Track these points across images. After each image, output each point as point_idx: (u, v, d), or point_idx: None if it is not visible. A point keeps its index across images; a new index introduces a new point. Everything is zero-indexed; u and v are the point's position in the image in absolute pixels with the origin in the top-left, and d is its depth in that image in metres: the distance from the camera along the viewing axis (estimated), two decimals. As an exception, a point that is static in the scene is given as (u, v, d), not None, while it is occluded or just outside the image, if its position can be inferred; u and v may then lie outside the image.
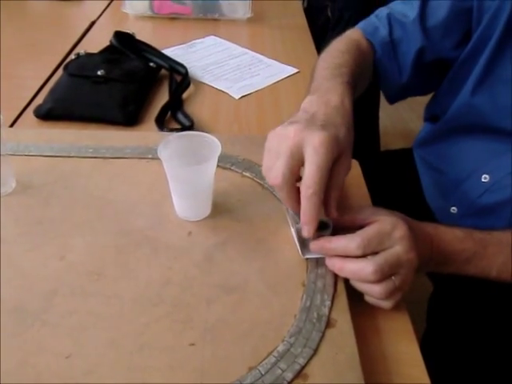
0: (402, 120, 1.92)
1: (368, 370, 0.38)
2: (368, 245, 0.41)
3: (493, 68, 0.57)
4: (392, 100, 0.71)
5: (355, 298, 0.43)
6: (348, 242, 0.41)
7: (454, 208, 0.65)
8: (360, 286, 0.42)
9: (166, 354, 0.37)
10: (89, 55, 0.81)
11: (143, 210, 0.50)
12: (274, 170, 0.41)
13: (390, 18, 0.65)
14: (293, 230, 0.44)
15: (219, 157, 0.58)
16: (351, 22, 1.16)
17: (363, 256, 0.41)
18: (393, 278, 0.41)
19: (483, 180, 0.61)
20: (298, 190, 0.42)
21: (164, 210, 0.50)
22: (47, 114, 0.69)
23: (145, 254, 0.45)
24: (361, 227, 0.43)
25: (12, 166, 0.53)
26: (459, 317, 0.62)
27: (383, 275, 0.40)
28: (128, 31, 0.88)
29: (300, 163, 0.41)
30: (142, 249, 0.46)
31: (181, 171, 0.47)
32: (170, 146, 0.47)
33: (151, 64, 0.80)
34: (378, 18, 0.66)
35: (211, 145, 0.47)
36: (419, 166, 0.76)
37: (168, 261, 0.45)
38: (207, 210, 0.50)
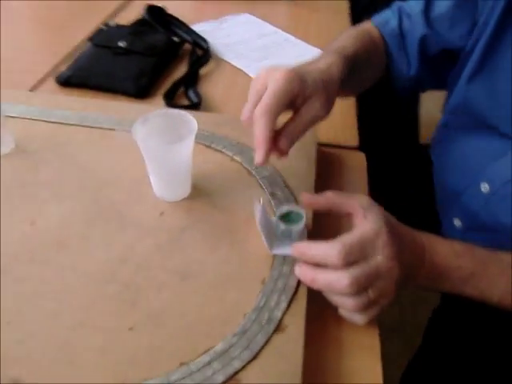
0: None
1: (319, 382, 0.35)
2: (350, 253, 0.36)
3: (489, 57, 0.51)
4: (403, 93, 0.66)
5: (320, 304, 0.39)
6: (328, 250, 0.37)
7: (456, 220, 0.59)
8: (332, 298, 0.39)
9: (101, 335, 0.36)
10: (118, 27, 0.81)
11: (123, 185, 0.49)
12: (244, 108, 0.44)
13: (400, 10, 0.63)
14: (259, 225, 0.41)
15: (212, 138, 0.55)
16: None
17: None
18: (369, 290, 0.37)
19: (483, 190, 0.54)
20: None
21: (143, 188, 0.49)
22: (66, 81, 0.70)
23: (111, 229, 0.44)
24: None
25: (11, 129, 0.54)
26: (460, 341, 0.56)
27: (359, 288, 0.36)
28: (159, 5, 0.86)
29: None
30: (110, 224, 0.45)
31: (155, 150, 0.45)
32: (148, 123, 0.45)
33: (174, 38, 0.79)
34: (391, 11, 0.64)
35: (188, 124, 0.45)
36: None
37: (132, 239, 0.43)
38: (185, 192, 0.48)
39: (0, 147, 0.53)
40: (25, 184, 0.49)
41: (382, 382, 0.37)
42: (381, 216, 0.40)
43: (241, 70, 0.75)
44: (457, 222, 0.57)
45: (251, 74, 0.74)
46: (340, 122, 0.66)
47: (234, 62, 0.77)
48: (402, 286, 0.40)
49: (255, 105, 0.42)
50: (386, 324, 1.15)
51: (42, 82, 0.72)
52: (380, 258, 0.37)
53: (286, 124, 0.44)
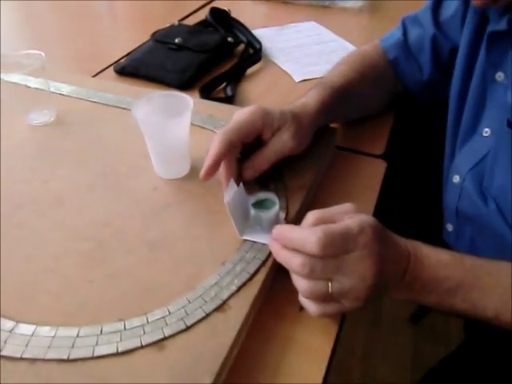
0: None
1: (251, 371, 0.34)
2: (329, 244, 0.34)
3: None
4: (421, 99, 0.65)
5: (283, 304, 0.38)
6: (308, 235, 0.34)
7: (448, 225, 0.58)
8: (292, 277, 0.36)
9: (63, 282, 0.39)
10: (181, 26, 0.87)
11: (128, 159, 0.53)
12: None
13: (404, 21, 0.64)
14: (229, 208, 0.40)
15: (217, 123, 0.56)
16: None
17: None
18: (331, 282, 0.35)
19: (454, 181, 0.54)
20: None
21: (146, 164, 0.51)
22: (121, 70, 0.76)
23: (107, 197, 0.48)
24: None
25: (55, 104, 0.61)
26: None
27: (320, 273, 0.34)
28: (224, 8, 0.91)
29: None
30: (108, 192, 0.48)
31: (152, 125, 0.47)
32: (151, 103, 0.48)
33: (229, 39, 0.82)
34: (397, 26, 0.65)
35: (185, 102, 0.46)
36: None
37: (122, 208, 0.46)
38: (182, 171, 0.49)
39: (40, 117, 0.60)
40: (50, 149, 0.55)
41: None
42: (368, 218, 0.37)
43: (287, 73, 0.76)
44: (448, 227, 0.53)
45: (296, 78, 0.74)
46: (370, 131, 0.63)
47: (282, 66, 0.78)
48: (377, 294, 0.36)
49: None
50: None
51: (104, 70, 0.80)
52: (357, 254, 0.34)
53: (252, 156, 0.46)
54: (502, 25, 0.46)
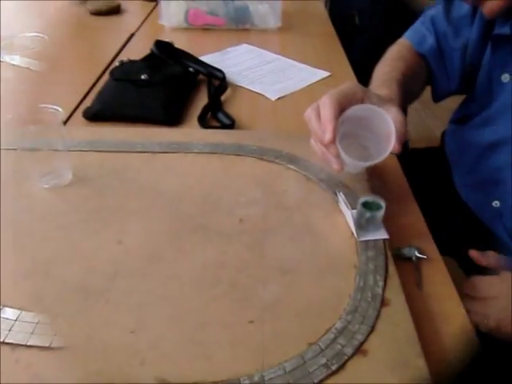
0: (427, 128, 1.92)
1: (423, 348, 0.39)
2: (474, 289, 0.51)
3: None
4: (437, 101, 0.73)
5: (404, 285, 0.44)
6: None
7: (496, 202, 0.65)
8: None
9: (226, 330, 0.38)
10: (132, 62, 0.85)
11: (194, 199, 0.52)
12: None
13: (434, 24, 0.65)
14: (348, 213, 0.46)
15: (262, 151, 0.60)
16: (380, 29, 1.20)
17: None
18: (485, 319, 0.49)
19: None
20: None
21: (214, 199, 0.52)
22: (95, 115, 0.72)
23: (199, 239, 0.47)
24: None
25: (68, 160, 0.56)
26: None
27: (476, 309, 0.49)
28: (167, 40, 0.91)
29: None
30: (195, 234, 0.48)
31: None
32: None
33: (190, 69, 0.84)
34: (424, 26, 0.67)
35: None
36: (452, 164, 0.76)
37: (221, 245, 0.46)
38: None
39: (60, 178, 0.54)
40: (97, 209, 0.51)
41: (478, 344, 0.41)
42: None
43: (259, 94, 0.81)
44: (495, 204, 0.64)
45: (271, 97, 0.80)
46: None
47: (250, 87, 0.83)
48: None
49: (320, 128, 0.47)
50: None
51: (69, 118, 0.73)
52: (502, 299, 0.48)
53: None
54: (506, 29, 0.52)
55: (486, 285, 0.51)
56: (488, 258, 0.53)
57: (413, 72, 0.62)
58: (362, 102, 0.48)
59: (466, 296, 0.53)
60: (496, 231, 0.67)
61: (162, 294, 0.41)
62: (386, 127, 0.46)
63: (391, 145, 0.46)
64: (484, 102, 0.65)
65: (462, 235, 0.72)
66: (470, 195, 0.71)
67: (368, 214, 0.45)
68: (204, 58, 0.93)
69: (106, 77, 0.81)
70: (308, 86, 0.84)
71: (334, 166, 0.48)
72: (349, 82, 0.49)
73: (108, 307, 0.40)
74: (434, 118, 1.94)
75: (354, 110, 0.46)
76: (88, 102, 0.75)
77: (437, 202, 0.76)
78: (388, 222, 0.48)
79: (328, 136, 0.44)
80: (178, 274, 0.43)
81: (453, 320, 0.43)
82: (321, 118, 0.46)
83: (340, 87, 0.48)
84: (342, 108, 0.46)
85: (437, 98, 0.71)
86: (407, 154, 0.89)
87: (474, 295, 0.52)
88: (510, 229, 0.65)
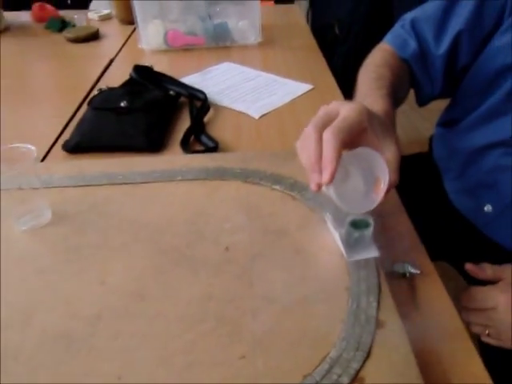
0: (415, 129, 1.92)
1: (423, 370, 0.37)
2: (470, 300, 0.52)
3: None
4: (421, 105, 0.71)
5: (399, 302, 0.42)
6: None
7: (488, 206, 0.64)
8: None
9: (216, 368, 0.36)
10: (111, 89, 0.84)
11: (178, 229, 0.51)
12: (309, 125, 0.43)
13: (413, 25, 0.64)
14: (336, 234, 0.44)
15: (246, 173, 0.58)
16: (360, 35, 1.20)
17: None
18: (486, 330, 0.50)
19: None
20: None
21: (199, 228, 0.50)
22: (75, 147, 0.71)
23: (184, 272, 0.45)
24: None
25: (47, 198, 0.54)
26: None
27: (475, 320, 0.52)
28: (146, 64, 0.91)
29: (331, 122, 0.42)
30: (180, 267, 0.46)
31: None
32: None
33: (171, 92, 0.83)
34: (404, 29, 0.66)
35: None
36: (441, 169, 0.75)
37: (208, 277, 0.45)
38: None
39: (38, 218, 0.53)
40: (78, 247, 0.49)
41: (480, 361, 0.39)
42: None
43: (242, 113, 0.80)
44: (487, 208, 0.63)
45: (254, 115, 0.79)
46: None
47: (233, 107, 0.82)
48: None
49: (323, 123, 0.42)
50: None
51: (49, 152, 0.72)
52: (500, 309, 0.49)
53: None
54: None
55: (484, 296, 0.50)
56: (484, 270, 0.51)
57: (399, 78, 0.61)
58: (364, 131, 0.43)
59: (464, 308, 0.52)
60: (490, 235, 0.66)
61: (147, 335, 0.39)
62: (379, 173, 0.43)
63: (379, 196, 0.43)
64: (470, 105, 0.64)
65: (456, 241, 0.71)
66: (462, 201, 0.70)
67: (356, 234, 0.44)
68: (186, 80, 0.92)
69: (86, 106, 0.80)
70: (291, 100, 0.83)
71: (312, 186, 0.43)
72: (353, 106, 0.42)
73: (92, 354, 0.38)
74: (422, 119, 1.95)
75: (354, 154, 0.43)
76: (68, 134, 0.74)
77: (429, 209, 0.75)
78: (378, 238, 0.47)
79: (326, 178, 0.40)
80: (163, 312, 0.41)
81: (451, 336, 0.41)
82: (323, 155, 0.41)
83: (346, 117, 0.42)
84: (345, 145, 0.41)
85: (421, 102, 0.70)
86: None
87: (473, 307, 0.51)
88: (504, 233, 0.64)
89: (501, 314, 0.48)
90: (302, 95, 0.85)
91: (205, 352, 0.38)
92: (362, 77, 0.59)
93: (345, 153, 0.41)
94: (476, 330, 0.52)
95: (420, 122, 1.94)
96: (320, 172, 0.41)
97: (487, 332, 0.51)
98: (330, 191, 0.43)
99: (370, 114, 0.43)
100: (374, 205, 0.43)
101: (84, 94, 0.90)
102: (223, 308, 0.41)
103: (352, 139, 0.42)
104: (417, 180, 0.78)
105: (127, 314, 0.41)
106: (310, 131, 0.42)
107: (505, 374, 0.58)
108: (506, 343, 0.50)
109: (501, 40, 0.57)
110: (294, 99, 0.84)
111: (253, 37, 1.08)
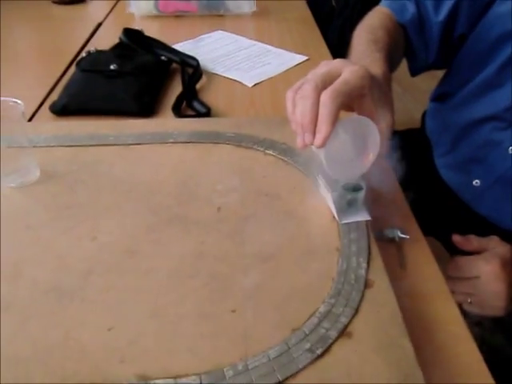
0: (407, 111, 1.93)
1: (409, 329, 0.38)
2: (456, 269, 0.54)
3: None
4: (414, 74, 0.71)
5: (388, 266, 0.43)
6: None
7: (476, 181, 0.65)
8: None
9: (208, 321, 0.37)
10: (100, 52, 0.82)
11: (170, 189, 0.50)
12: (307, 82, 0.41)
13: None
14: (329, 196, 0.45)
15: (239, 138, 0.58)
16: (356, 8, 1.18)
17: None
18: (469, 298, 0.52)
19: (510, 152, 0.60)
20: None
21: (191, 189, 0.50)
22: (63, 109, 0.69)
23: (176, 231, 0.45)
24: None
25: (35, 157, 0.53)
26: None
27: (460, 289, 0.53)
28: (136, 28, 0.89)
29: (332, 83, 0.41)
30: (172, 226, 0.46)
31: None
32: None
33: (162, 58, 0.81)
34: None
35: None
36: (432, 144, 0.76)
37: (200, 235, 0.45)
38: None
39: (26, 176, 0.52)
40: (69, 205, 0.49)
41: (462, 321, 0.41)
42: (500, 249, 0.52)
43: (235, 81, 0.79)
44: (476, 183, 0.64)
45: (248, 83, 0.78)
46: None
47: (226, 74, 0.81)
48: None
49: (323, 82, 0.41)
50: None
51: (36, 112, 0.71)
52: (484, 279, 0.51)
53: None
54: None
55: (468, 265, 0.51)
56: (470, 242, 0.53)
57: (395, 42, 0.60)
58: (363, 97, 0.42)
59: (449, 276, 0.53)
60: (477, 210, 0.68)
61: (139, 289, 0.40)
62: (370, 143, 0.43)
63: (366, 166, 0.44)
64: (464, 78, 0.65)
65: (444, 216, 0.73)
66: (451, 175, 0.71)
67: (349, 196, 0.45)
68: (177, 47, 0.91)
69: (73, 69, 0.78)
70: (285, 71, 0.82)
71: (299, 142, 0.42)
72: (357, 69, 0.41)
73: (83, 306, 0.38)
74: (414, 101, 1.95)
75: (349, 121, 0.42)
76: (55, 96, 0.72)
77: (418, 184, 0.76)
78: (370, 204, 0.48)
79: (319, 141, 0.39)
80: (155, 267, 0.42)
81: (437, 299, 0.43)
82: (318, 116, 0.40)
83: (348, 80, 0.40)
84: (342, 108, 0.41)
85: (414, 71, 0.70)
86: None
87: (457, 275, 0.52)
88: (491, 207, 0.65)
89: (484, 283, 0.50)
90: (296, 66, 0.84)
91: (196, 306, 0.38)
92: (359, 37, 0.58)
93: (340, 118, 0.41)
94: (459, 298, 0.54)
95: (412, 104, 1.95)
96: (313, 133, 0.40)
97: (469, 300, 0.52)
98: (319, 153, 0.43)
99: (372, 80, 0.42)
100: (360, 173, 0.44)
101: (71, 56, 0.88)
102: (215, 265, 0.42)
103: (350, 103, 0.42)
104: (408, 154, 0.79)
105: (118, 269, 0.41)
106: (308, 89, 0.41)
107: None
108: (487, 311, 0.52)
109: (500, 7, 0.57)
110: (289, 70, 0.83)
111: (247, 6, 1.06)
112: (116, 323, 0.37)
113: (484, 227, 0.66)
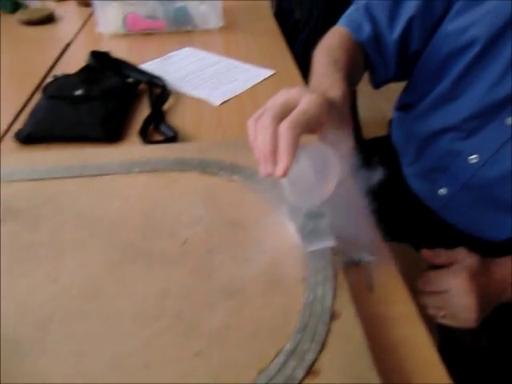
0: (380, 110, 1.95)
1: (378, 357, 0.38)
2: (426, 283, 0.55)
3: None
4: (376, 87, 0.71)
5: (356, 288, 0.43)
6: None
7: (442, 190, 0.66)
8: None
9: (172, 367, 0.36)
10: (66, 76, 0.80)
11: (135, 223, 0.49)
12: (266, 113, 0.41)
13: (368, 9, 0.64)
14: (292, 225, 0.44)
15: (204, 164, 0.57)
16: (320, 20, 1.19)
17: None
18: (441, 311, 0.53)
19: (472, 161, 0.61)
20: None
21: (156, 221, 0.49)
22: (28, 138, 0.67)
23: (140, 268, 0.44)
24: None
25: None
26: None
27: (431, 303, 0.54)
28: (103, 50, 0.87)
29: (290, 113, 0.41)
30: (136, 263, 0.45)
31: None
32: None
33: (129, 80, 0.80)
34: (358, 12, 0.65)
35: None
36: (399, 153, 0.76)
37: (165, 271, 0.44)
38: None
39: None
40: (30, 245, 0.47)
41: (433, 345, 0.41)
42: (467, 261, 0.52)
43: (202, 100, 0.78)
44: (441, 192, 0.65)
45: (214, 102, 0.77)
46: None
47: (193, 94, 0.80)
48: (487, 312, 0.51)
49: (282, 113, 0.41)
50: None
51: None
52: (453, 292, 0.52)
53: None
54: None
55: (438, 279, 0.52)
56: (439, 255, 0.53)
57: (354, 62, 0.60)
58: (322, 124, 0.42)
59: (420, 291, 0.53)
60: (445, 218, 0.68)
61: (101, 337, 0.38)
62: (331, 169, 0.43)
63: (329, 192, 0.43)
64: (423, 90, 0.65)
65: (415, 225, 0.73)
66: (418, 184, 0.72)
67: (312, 224, 0.44)
68: (146, 65, 0.90)
69: (40, 94, 0.76)
70: (252, 86, 0.82)
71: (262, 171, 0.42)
72: (315, 99, 0.41)
73: (42, 360, 0.37)
74: (386, 101, 1.96)
75: (308, 149, 0.42)
76: (20, 124, 0.71)
77: (388, 192, 0.77)
78: (336, 228, 0.47)
79: (280, 172, 0.39)
80: (117, 310, 0.40)
81: (405, 323, 0.42)
82: (278, 148, 0.39)
83: (306, 110, 0.40)
84: (311, 125, 0.41)
85: (375, 85, 0.71)
86: (358, 145, 0.90)
87: (428, 290, 0.52)
88: (458, 215, 0.66)
89: (453, 297, 0.50)
90: (263, 81, 0.84)
91: (160, 351, 0.37)
92: (318, 58, 0.58)
93: (299, 147, 0.41)
94: (432, 312, 0.54)
95: (384, 103, 1.97)
96: (274, 163, 0.40)
97: (442, 314, 0.53)
98: (281, 182, 0.42)
99: (329, 107, 0.42)
100: (322, 200, 0.43)
101: (38, 80, 0.86)
102: (179, 304, 0.41)
103: (309, 131, 0.42)
104: (376, 164, 0.79)
105: (79, 314, 0.40)
106: (266, 121, 0.40)
107: (460, 356, 0.61)
108: (459, 323, 0.53)
109: (450, 25, 0.57)
110: (255, 85, 0.82)
111: (214, 21, 1.06)
112: (76, 376, 0.36)
113: (453, 235, 0.67)
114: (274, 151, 0.40)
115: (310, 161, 0.42)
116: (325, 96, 0.42)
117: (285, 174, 0.40)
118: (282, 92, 0.44)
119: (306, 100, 0.41)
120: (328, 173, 0.43)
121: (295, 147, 0.39)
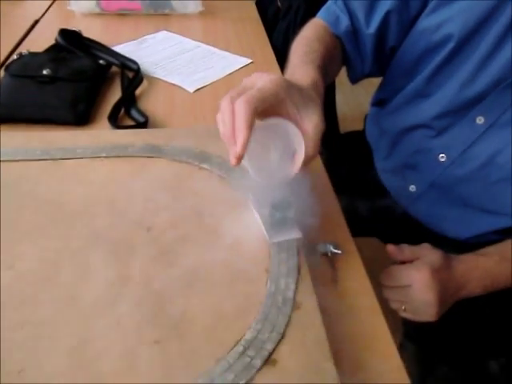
0: (359, 104, 1.96)
1: (337, 348, 0.38)
2: (388, 279, 0.55)
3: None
4: (354, 82, 0.71)
5: (321, 280, 0.43)
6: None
7: (412, 187, 0.67)
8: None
9: (129, 355, 0.35)
10: (33, 54, 0.77)
11: (98, 209, 0.48)
12: (224, 97, 0.41)
13: (346, 2, 0.63)
14: (258, 216, 0.44)
15: (174, 151, 0.56)
16: (300, 10, 1.18)
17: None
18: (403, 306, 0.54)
19: (441, 160, 0.62)
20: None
21: (120, 208, 0.48)
22: (-10, 119, 0.65)
23: (101, 255, 0.43)
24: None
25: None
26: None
27: (393, 297, 0.55)
28: (74, 29, 0.84)
29: None
30: (98, 250, 0.44)
31: None
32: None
33: (101, 61, 0.77)
34: (337, 5, 0.65)
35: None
36: (372, 149, 0.77)
37: (126, 259, 0.43)
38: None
39: None
40: (-14, 228, 0.46)
41: (391, 338, 0.41)
42: (429, 257, 0.53)
43: (176, 86, 0.77)
44: (412, 188, 0.65)
45: (188, 89, 0.76)
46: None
47: (167, 79, 0.78)
48: (447, 306, 0.53)
49: (238, 94, 0.40)
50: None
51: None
52: (415, 287, 0.52)
53: None
54: None
55: (400, 274, 0.52)
56: (402, 251, 0.53)
57: (330, 54, 0.60)
58: (282, 103, 0.42)
59: (383, 285, 0.54)
60: (414, 215, 0.69)
61: (56, 323, 0.37)
62: (296, 145, 0.42)
63: (295, 168, 0.43)
64: (397, 86, 0.65)
65: (384, 220, 0.74)
66: (390, 180, 0.72)
67: (278, 215, 0.44)
68: (119, 48, 0.87)
69: (2, 73, 0.73)
70: (228, 74, 0.81)
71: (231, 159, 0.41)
72: (271, 77, 0.41)
73: (-6, 345, 0.36)
74: (366, 94, 1.98)
75: (268, 125, 0.42)
76: (-18, 104, 0.68)
77: (361, 187, 0.77)
78: (302, 217, 0.47)
79: (238, 149, 0.38)
80: (76, 297, 0.39)
81: (367, 314, 0.43)
82: (234, 125, 0.39)
83: (261, 87, 0.40)
84: (257, 114, 0.40)
85: (352, 79, 0.70)
86: (334, 140, 0.90)
87: (390, 284, 0.53)
88: (426, 212, 0.67)
89: (415, 292, 0.51)
90: (239, 69, 0.83)
91: (118, 339, 0.36)
92: (295, 49, 0.58)
93: (260, 123, 0.40)
94: (394, 305, 0.55)
95: (364, 97, 1.98)
96: (235, 144, 0.40)
97: (403, 308, 0.54)
98: (245, 162, 0.41)
99: (289, 86, 0.41)
100: (289, 177, 0.43)
101: (3, 58, 0.82)
102: (141, 291, 0.40)
103: (268, 110, 0.41)
104: (350, 158, 0.80)
105: (35, 300, 0.39)
106: (224, 103, 0.40)
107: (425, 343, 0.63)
108: (420, 317, 0.54)
109: (425, 21, 0.58)
110: (232, 73, 0.81)
111: (193, 5, 1.03)
112: (27, 364, 0.35)
113: (420, 232, 0.68)
114: (233, 132, 0.40)
115: (269, 136, 0.42)
116: (284, 78, 0.42)
117: (243, 150, 0.39)
118: (243, 80, 0.44)
119: (262, 79, 0.41)
120: (293, 147, 0.42)
121: (250, 122, 0.38)
